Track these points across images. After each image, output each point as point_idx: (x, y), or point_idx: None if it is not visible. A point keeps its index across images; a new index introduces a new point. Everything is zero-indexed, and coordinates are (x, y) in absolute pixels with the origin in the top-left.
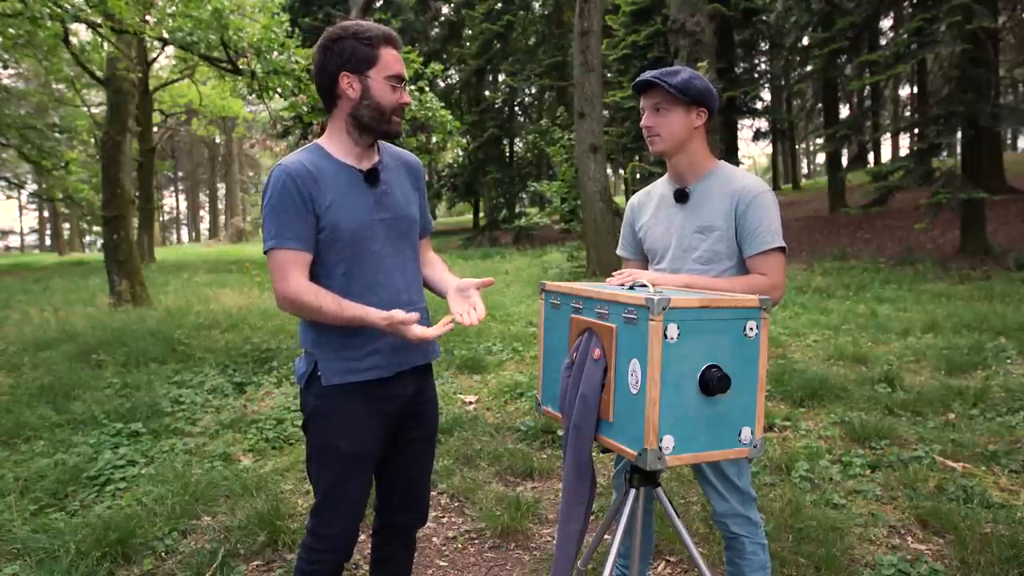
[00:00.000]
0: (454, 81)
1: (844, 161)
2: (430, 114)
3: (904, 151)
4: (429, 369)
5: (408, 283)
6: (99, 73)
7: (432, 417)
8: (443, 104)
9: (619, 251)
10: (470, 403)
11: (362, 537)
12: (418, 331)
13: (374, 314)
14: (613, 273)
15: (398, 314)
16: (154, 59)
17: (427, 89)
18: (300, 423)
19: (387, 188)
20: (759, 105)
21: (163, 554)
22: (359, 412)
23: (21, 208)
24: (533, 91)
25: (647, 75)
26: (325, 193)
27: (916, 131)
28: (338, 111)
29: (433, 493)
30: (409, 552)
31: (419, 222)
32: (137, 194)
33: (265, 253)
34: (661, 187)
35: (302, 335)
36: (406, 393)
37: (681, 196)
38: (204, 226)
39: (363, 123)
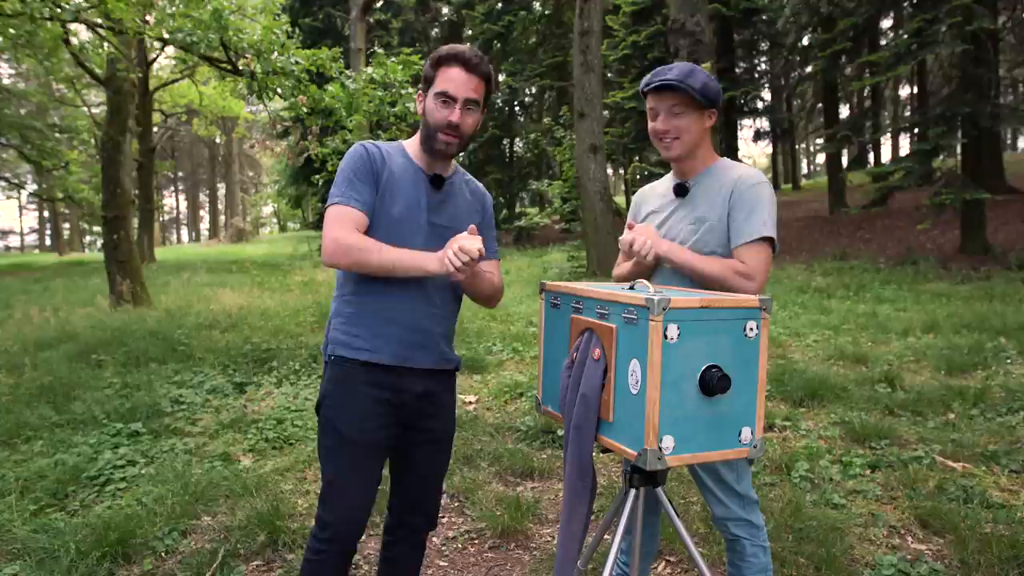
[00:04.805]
0: None
1: (844, 161)
2: None
3: (904, 151)
4: (447, 375)
5: (436, 287)
6: (99, 72)
7: (446, 423)
8: None
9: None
10: (470, 403)
11: (364, 537)
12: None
13: (431, 259)
14: (627, 232)
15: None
16: (154, 59)
17: None
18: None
19: (447, 199)
20: (759, 105)
21: (163, 554)
22: (362, 396)
23: (21, 208)
24: (533, 91)
25: (667, 77)
26: (388, 177)
27: (916, 131)
28: (421, 125)
29: None
30: (417, 553)
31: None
32: (137, 194)
33: (327, 207)
34: (665, 182)
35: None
36: (415, 390)
37: (681, 190)
38: (204, 226)
39: (423, 138)
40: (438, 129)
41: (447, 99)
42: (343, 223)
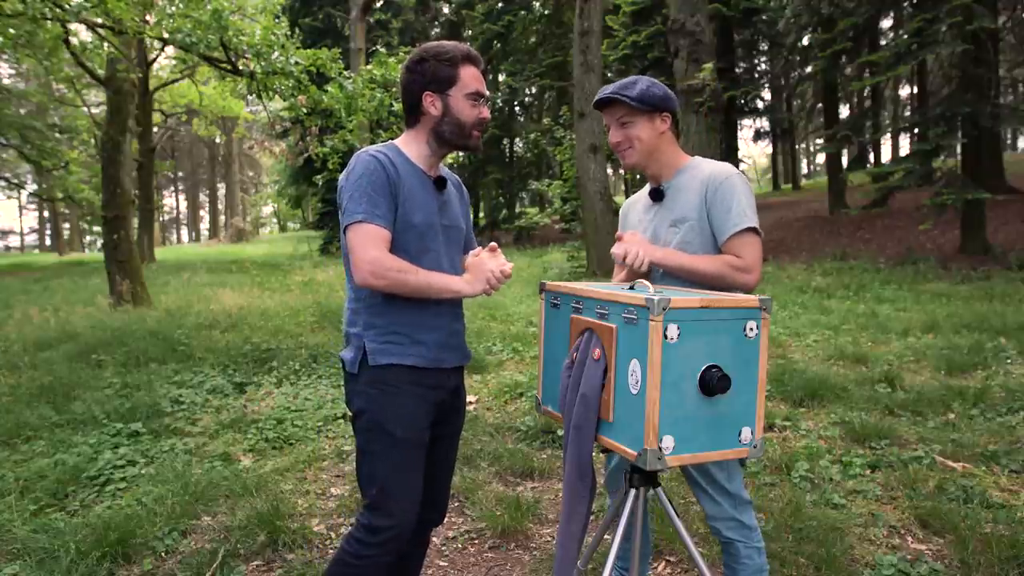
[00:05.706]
0: None
1: (844, 161)
2: None
3: (904, 151)
4: (464, 368)
5: None
6: (99, 72)
7: (461, 417)
8: None
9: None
10: (470, 403)
11: None
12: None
13: (458, 281)
14: (618, 244)
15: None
16: (154, 59)
17: None
18: (350, 417)
19: (448, 199)
20: (759, 105)
21: (163, 554)
22: (408, 396)
23: (21, 208)
24: (533, 91)
25: (606, 91)
26: (401, 186)
27: (916, 131)
28: (421, 126)
29: None
30: (422, 551)
31: (465, 235)
32: (137, 194)
33: (346, 228)
34: (645, 191)
35: (349, 322)
36: (449, 385)
37: (657, 195)
38: (204, 226)
39: (444, 138)
40: (473, 127)
41: (479, 97)
42: (374, 242)
